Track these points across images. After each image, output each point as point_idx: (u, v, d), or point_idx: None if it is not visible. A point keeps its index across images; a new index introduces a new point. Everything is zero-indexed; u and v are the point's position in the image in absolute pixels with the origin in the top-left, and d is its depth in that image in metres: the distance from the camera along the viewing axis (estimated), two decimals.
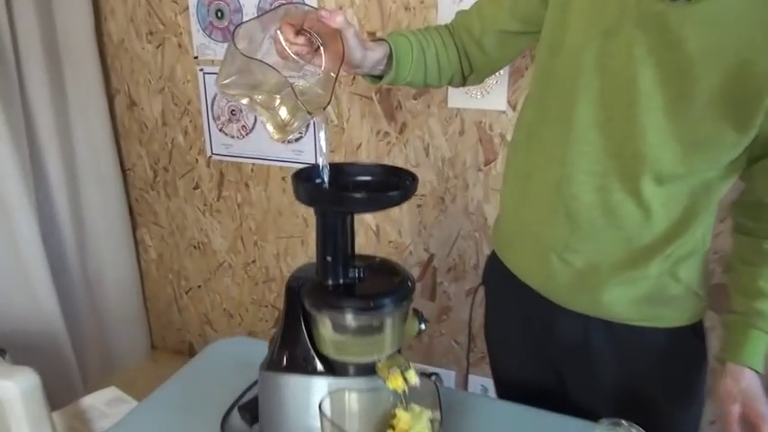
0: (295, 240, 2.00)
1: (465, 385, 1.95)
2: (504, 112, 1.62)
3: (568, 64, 0.86)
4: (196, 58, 1.88)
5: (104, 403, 1.37)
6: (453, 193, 1.75)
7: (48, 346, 1.83)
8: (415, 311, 0.85)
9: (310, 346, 0.77)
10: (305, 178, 0.74)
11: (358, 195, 0.68)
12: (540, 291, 0.99)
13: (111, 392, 1.37)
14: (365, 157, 1.80)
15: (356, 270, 0.76)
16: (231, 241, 2.10)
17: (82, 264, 2.06)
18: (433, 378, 0.77)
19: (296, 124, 0.77)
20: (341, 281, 0.75)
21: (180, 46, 1.89)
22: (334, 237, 0.73)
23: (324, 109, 0.75)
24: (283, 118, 0.77)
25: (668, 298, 0.92)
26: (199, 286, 2.23)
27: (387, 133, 1.76)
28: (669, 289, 0.92)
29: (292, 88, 0.73)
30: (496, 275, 1.10)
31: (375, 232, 1.88)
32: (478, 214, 1.75)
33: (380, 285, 0.76)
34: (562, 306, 0.97)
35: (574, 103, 0.85)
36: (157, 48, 1.93)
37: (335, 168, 0.77)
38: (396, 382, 0.74)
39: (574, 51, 0.85)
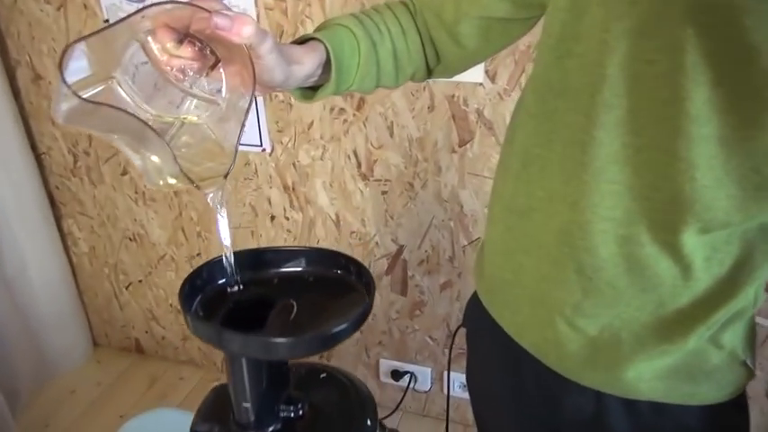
0: (244, 231, 1.74)
1: (445, 383, 1.78)
2: (480, 84, 1.35)
3: (585, 71, 0.60)
4: (107, 21, 1.54)
5: None
6: (423, 177, 1.50)
7: None
8: (381, 427, 0.62)
9: None
10: (197, 289, 0.48)
11: (284, 341, 0.43)
12: (540, 359, 0.77)
13: None
14: (318, 137, 1.52)
15: (291, 408, 0.52)
16: (171, 233, 1.83)
17: None
18: None
19: (181, 185, 0.51)
20: (269, 429, 0.51)
21: (86, 7, 1.55)
22: (254, 381, 0.49)
23: (225, 177, 0.49)
24: (166, 180, 0.50)
25: (707, 370, 0.71)
26: (140, 281, 1.97)
27: (342, 110, 1.48)
28: (709, 359, 0.70)
29: (170, 150, 0.46)
30: (480, 325, 0.87)
31: (335, 222, 1.63)
32: (453, 201, 1.51)
33: (328, 424, 0.53)
34: (569, 379, 0.75)
35: (592, 125, 0.60)
36: (58, 10, 1.58)
37: (250, 258, 0.51)
38: None
39: (593, 53, 0.59)
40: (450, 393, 1.76)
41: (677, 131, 0.56)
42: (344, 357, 1.85)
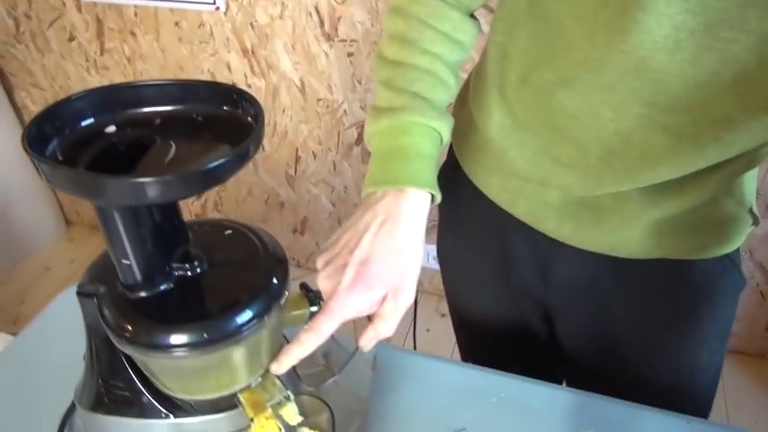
0: None
1: None
2: None
3: None
4: None
5: None
6: None
7: None
8: (304, 289, 0.57)
9: (135, 380, 0.50)
10: (50, 132, 0.41)
11: (146, 180, 0.35)
12: (533, 226, 0.70)
13: None
14: None
15: (186, 266, 0.46)
16: None
17: None
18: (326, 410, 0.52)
19: None
20: (159, 287, 0.46)
21: None
22: (132, 234, 0.42)
23: None
24: None
25: (716, 221, 0.64)
26: None
27: None
28: (719, 209, 0.63)
29: None
30: (459, 194, 0.79)
31: (300, 89, 1.53)
32: None
33: (228, 283, 0.47)
34: (565, 244, 0.69)
35: (636, 5, 0.48)
36: None
37: (125, 94, 0.43)
38: (265, 430, 0.49)
39: None
40: (426, 266, 1.74)
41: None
42: (318, 231, 1.81)
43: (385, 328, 0.52)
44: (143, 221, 0.43)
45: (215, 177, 0.38)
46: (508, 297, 0.82)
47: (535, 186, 0.66)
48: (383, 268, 0.51)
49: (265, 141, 1.66)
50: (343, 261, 0.51)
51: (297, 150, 1.65)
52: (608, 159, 0.57)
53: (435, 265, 1.74)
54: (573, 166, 0.61)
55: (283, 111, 1.58)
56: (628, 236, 0.65)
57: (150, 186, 0.36)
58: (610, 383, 0.72)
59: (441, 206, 0.86)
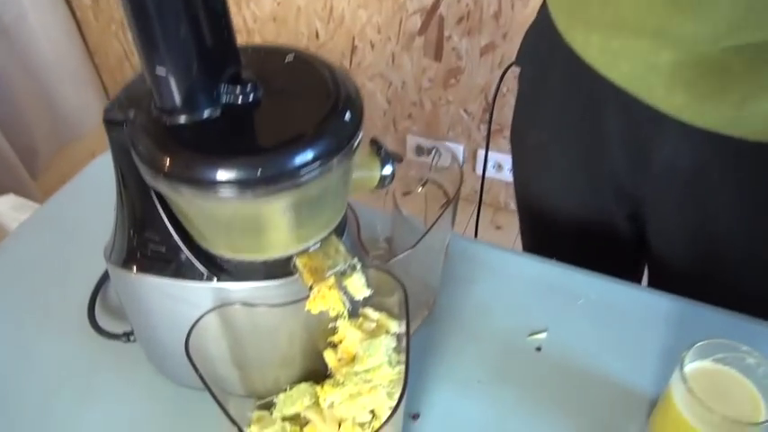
0: None
1: (478, 161, 1.64)
2: None
3: None
4: None
5: (10, 208, 1.08)
6: None
7: None
8: (375, 145, 0.47)
9: (172, 232, 0.41)
10: None
11: None
12: (636, 95, 0.57)
13: (11, 200, 1.07)
14: None
15: (236, 90, 0.36)
16: None
17: None
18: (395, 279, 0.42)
19: None
20: (203, 114, 0.36)
21: None
22: (167, 27, 0.32)
23: None
24: None
25: None
26: None
27: None
28: None
29: None
30: (543, 50, 0.66)
31: None
32: None
33: (287, 116, 0.37)
34: (669, 115, 0.56)
35: None
36: None
37: None
38: (326, 301, 0.40)
39: None
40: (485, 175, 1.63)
41: None
42: (371, 130, 1.70)
43: None
44: (181, 16, 0.33)
45: None
46: (591, 187, 0.70)
47: (644, 43, 0.52)
48: None
49: (320, 28, 1.53)
50: None
51: (353, 39, 1.52)
52: None
53: (495, 174, 1.63)
54: (694, 11, 0.47)
55: None
56: (755, 111, 0.51)
57: None
58: (704, 296, 0.61)
59: (521, 78, 0.74)
